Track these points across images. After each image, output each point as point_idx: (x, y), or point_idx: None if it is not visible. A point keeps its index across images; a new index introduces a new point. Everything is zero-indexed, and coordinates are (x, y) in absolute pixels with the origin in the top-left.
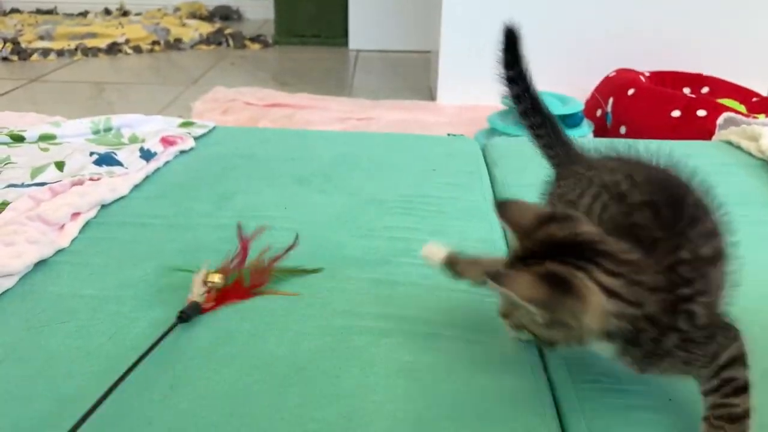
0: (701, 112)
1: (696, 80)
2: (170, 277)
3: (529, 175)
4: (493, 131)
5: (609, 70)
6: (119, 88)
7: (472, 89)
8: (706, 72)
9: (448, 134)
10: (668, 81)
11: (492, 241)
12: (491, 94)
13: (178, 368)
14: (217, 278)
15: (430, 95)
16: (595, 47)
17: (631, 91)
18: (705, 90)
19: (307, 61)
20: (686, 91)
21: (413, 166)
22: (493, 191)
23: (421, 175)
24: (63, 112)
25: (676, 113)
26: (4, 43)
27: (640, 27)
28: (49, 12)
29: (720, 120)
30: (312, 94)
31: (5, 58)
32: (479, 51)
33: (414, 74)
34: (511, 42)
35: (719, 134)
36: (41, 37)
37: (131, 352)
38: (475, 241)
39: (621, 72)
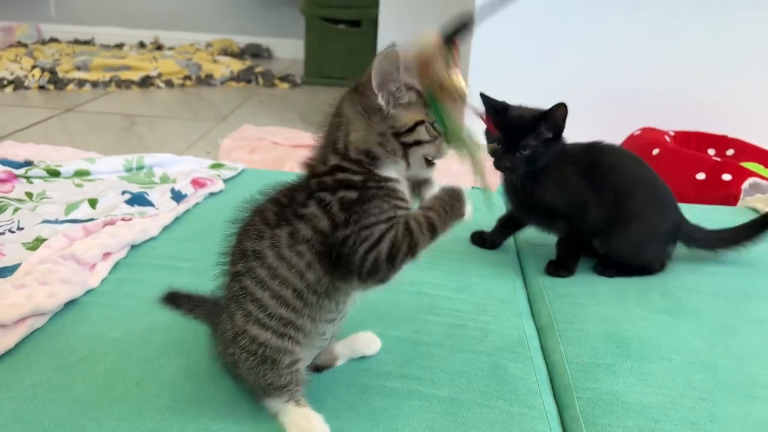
0: (726, 176)
1: (721, 142)
2: (197, 324)
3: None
4: None
5: (634, 127)
6: (150, 121)
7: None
8: (731, 134)
9: (473, 187)
10: (693, 141)
11: (515, 302)
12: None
13: None
14: None
15: None
16: (622, 104)
17: (655, 151)
18: (730, 152)
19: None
20: (711, 152)
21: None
22: (516, 247)
23: None
24: (95, 142)
25: (701, 176)
26: (42, 72)
27: (667, 86)
28: (87, 42)
29: (745, 185)
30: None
31: (42, 87)
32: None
33: None
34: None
35: (744, 200)
36: (78, 68)
37: (157, 400)
38: (499, 300)
39: (646, 131)
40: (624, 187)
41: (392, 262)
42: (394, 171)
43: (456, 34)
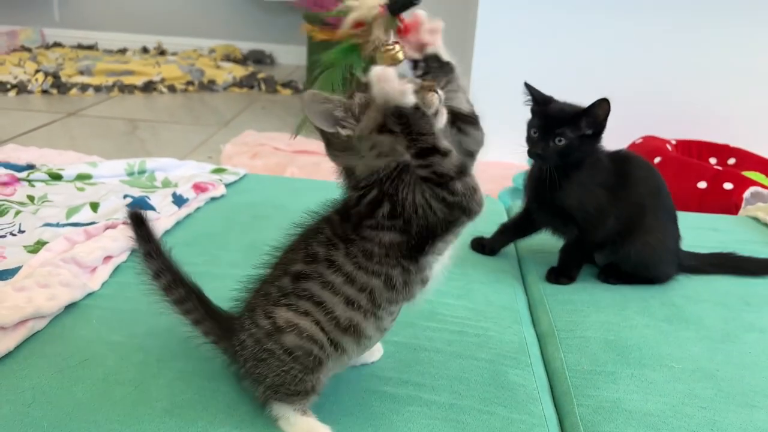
0: (728, 185)
1: (723, 151)
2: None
3: (551, 239)
4: (517, 191)
5: (636, 135)
6: (152, 126)
7: (497, 146)
8: (733, 143)
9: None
10: (694, 150)
11: (515, 309)
12: (517, 152)
13: None
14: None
15: None
16: (624, 112)
17: (657, 160)
18: (731, 161)
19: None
20: (712, 161)
21: None
22: (517, 254)
23: None
24: (97, 147)
25: (702, 185)
26: (45, 76)
27: (669, 94)
28: (90, 47)
29: (747, 194)
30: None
31: (45, 91)
32: (506, 108)
33: None
34: (139, 223)
35: (746, 209)
36: (81, 72)
37: (156, 403)
38: (499, 307)
39: (648, 139)
40: (649, 201)
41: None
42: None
43: (403, 8)
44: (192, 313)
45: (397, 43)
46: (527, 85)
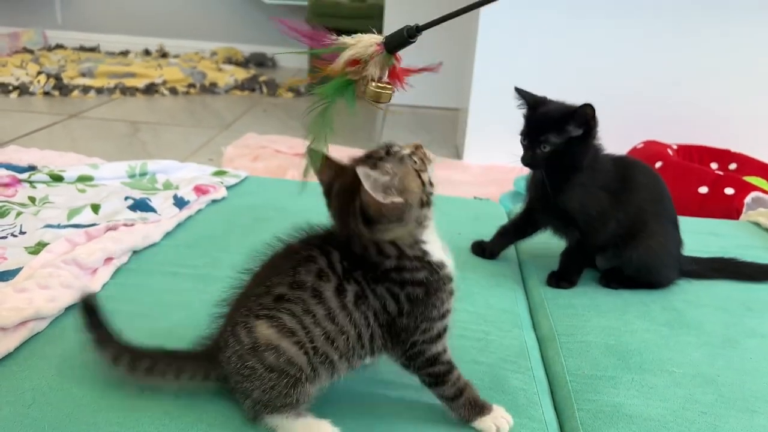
0: (729, 190)
1: (724, 156)
2: (197, 329)
3: (552, 243)
4: (518, 194)
5: (637, 140)
6: (154, 128)
7: (498, 150)
8: (735, 148)
9: (475, 197)
10: (696, 155)
11: (516, 313)
12: (518, 156)
13: None
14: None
15: (457, 153)
16: (625, 117)
17: (658, 164)
18: (733, 166)
19: (337, 112)
20: (714, 166)
21: (440, 228)
22: (518, 257)
23: (448, 238)
24: (98, 148)
25: (703, 189)
26: (47, 78)
27: (671, 99)
28: (92, 50)
29: (748, 199)
30: (341, 146)
31: (47, 93)
32: (508, 112)
33: (442, 131)
34: (90, 312)
35: (747, 214)
36: (83, 74)
37: (156, 406)
38: (500, 311)
39: (649, 144)
40: (652, 207)
41: (431, 363)
42: (436, 245)
43: (399, 46)
44: (168, 373)
45: (389, 83)
46: (518, 90)
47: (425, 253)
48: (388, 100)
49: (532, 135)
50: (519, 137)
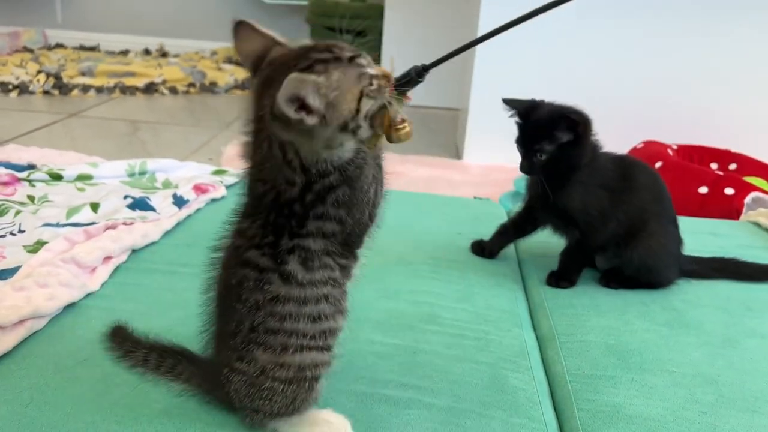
0: (729, 191)
1: (724, 156)
2: (196, 328)
3: (552, 242)
4: (518, 194)
5: (637, 140)
6: (154, 128)
7: (498, 150)
8: (735, 148)
9: (475, 197)
10: (696, 155)
11: (515, 312)
12: (518, 156)
13: None
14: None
15: (457, 153)
16: (625, 117)
17: (658, 165)
18: (732, 166)
19: None
20: (713, 166)
21: (440, 228)
22: (518, 257)
23: (448, 237)
24: (98, 148)
25: (703, 190)
26: (47, 77)
27: (671, 99)
28: (92, 49)
29: (748, 199)
30: None
31: (47, 92)
32: (507, 112)
33: (442, 130)
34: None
35: (747, 215)
36: (83, 74)
37: (154, 404)
38: (499, 310)
39: (649, 144)
40: (652, 207)
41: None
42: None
43: (408, 86)
44: (184, 374)
45: (404, 120)
46: (505, 101)
47: (333, 160)
48: (410, 137)
49: (526, 144)
50: (515, 145)
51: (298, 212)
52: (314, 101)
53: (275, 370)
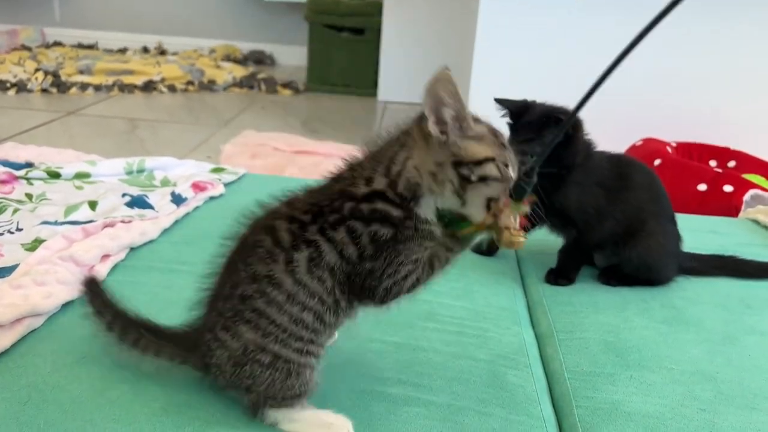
0: (728, 188)
1: (723, 153)
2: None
3: (551, 240)
4: None
5: (636, 137)
6: (152, 126)
7: None
8: (733, 146)
9: None
10: (695, 153)
11: (514, 310)
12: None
13: None
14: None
15: None
16: (624, 114)
17: (657, 162)
18: (732, 164)
19: (337, 110)
20: (713, 164)
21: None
22: (516, 255)
23: None
24: (96, 146)
25: (702, 187)
26: (45, 75)
27: (670, 97)
28: (90, 47)
29: (747, 197)
30: (339, 143)
31: (45, 90)
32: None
33: None
34: (93, 290)
35: (746, 212)
36: (81, 72)
37: (153, 402)
38: (498, 308)
39: (648, 141)
40: (650, 206)
41: (411, 293)
42: (431, 210)
43: (522, 194)
44: (149, 350)
45: (522, 230)
46: (497, 101)
47: (414, 200)
48: (522, 247)
49: (518, 146)
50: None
51: (343, 212)
52: (447, 114)
53: (256, 352)
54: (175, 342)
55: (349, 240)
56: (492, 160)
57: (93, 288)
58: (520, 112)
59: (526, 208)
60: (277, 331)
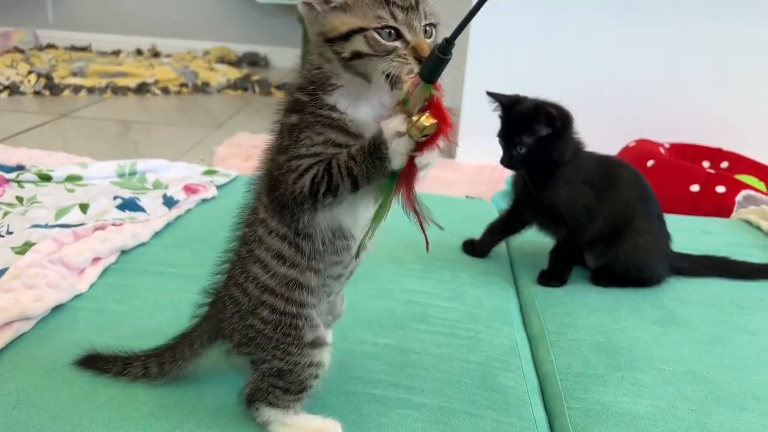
0: (720, 188)
1: (716, 154)
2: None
3: (542, 241)
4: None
5: (629, 138)
6: (145, 128)
7: (491, 149)
8: (726, 147)
9: (467, 196)
10: (688, 154)
11: (506, 311)
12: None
13: None
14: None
15: (449, 152)
16: (617, 115)
17: (650, 163)
18: (724, 164)
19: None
20: (705, 164)
21: (432, 227)
22: (509, 256)
23: (440, 237)
24: (90, 148)
25: (695, 188)
26: (38, 77)
27: (663, 98)
28: (84, 49)
29: (739, 197)
30: None
31: (38, 93)
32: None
33: None
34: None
35: (738, 212)
36: (74, 74)
37: (142, 406)
38: (490, 309)
39: (641, 142)
40: (637, 204)
41: (314, 197)
42: (345, 97)
43: (435, 70)
44: (186, 352)
45: (429, 110)
46: (490, 93)
47: (319, 84)
48: (434, 130)
49: (507, 136)
50: (497, 139)
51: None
52: None
53: (258, 307)
54: (200, 326)
55: (276, 132)
56: (359, 31)
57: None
58: (511, 105)
59: (439, 93)
60: (263, 274)
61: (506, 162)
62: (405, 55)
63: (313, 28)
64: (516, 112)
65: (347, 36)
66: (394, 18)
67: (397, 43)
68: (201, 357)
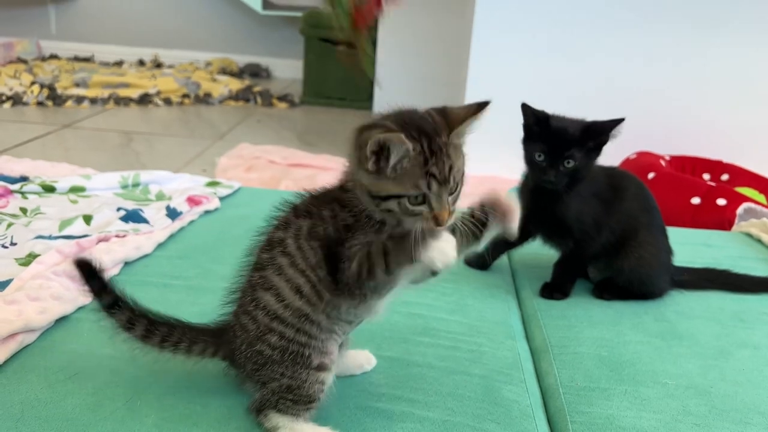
0: (721, 201)
1: (716, 167)
2: None
3: (545, 253)
4: None
5: (630, 151)
6: (147, 139)
7: (492, 161)
8: (727, 159)
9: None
10: (688, 166)
11: (509, 324)
12: (512, 167)
13: None
14: None
15: None
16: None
17: (651, 175)
18: (725, 177)
19: (332, 123)
20: (706, 177)
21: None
22: (511, 268)
23: None
24: (92, 159)
25: (695, 200)
26: (41, 88)
27: (664, 110)
28: (86, 60)
29: (740, 210)
30: (335, 155)
31: (40, 103)
32: (501, 124)
33: None
34: (90, 273)
35: (739, 225)
36: (77, 85)
37: (146, 418)
38: (493, 322)
39: (642, 155)
40: (642, 216)
41: (358, 279)
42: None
43: None
44: (181, 343)
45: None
46: (525, 106)
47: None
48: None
49: (554, 151)
50: (531, 153)
51: (335, 196)
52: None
53: (267, 334)
54: (206, 334)
55: (330, 220)
56: (396, 196)
57: (91, 275)
58: (545, 121)
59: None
60: (275, 302)
61: (553, 178)
62: (428, 218)
63: (358, 174)
64: (561, 126)
65: (386, 198)
66: (429, 188)
67: (423, 208)
68: (197, 360)
